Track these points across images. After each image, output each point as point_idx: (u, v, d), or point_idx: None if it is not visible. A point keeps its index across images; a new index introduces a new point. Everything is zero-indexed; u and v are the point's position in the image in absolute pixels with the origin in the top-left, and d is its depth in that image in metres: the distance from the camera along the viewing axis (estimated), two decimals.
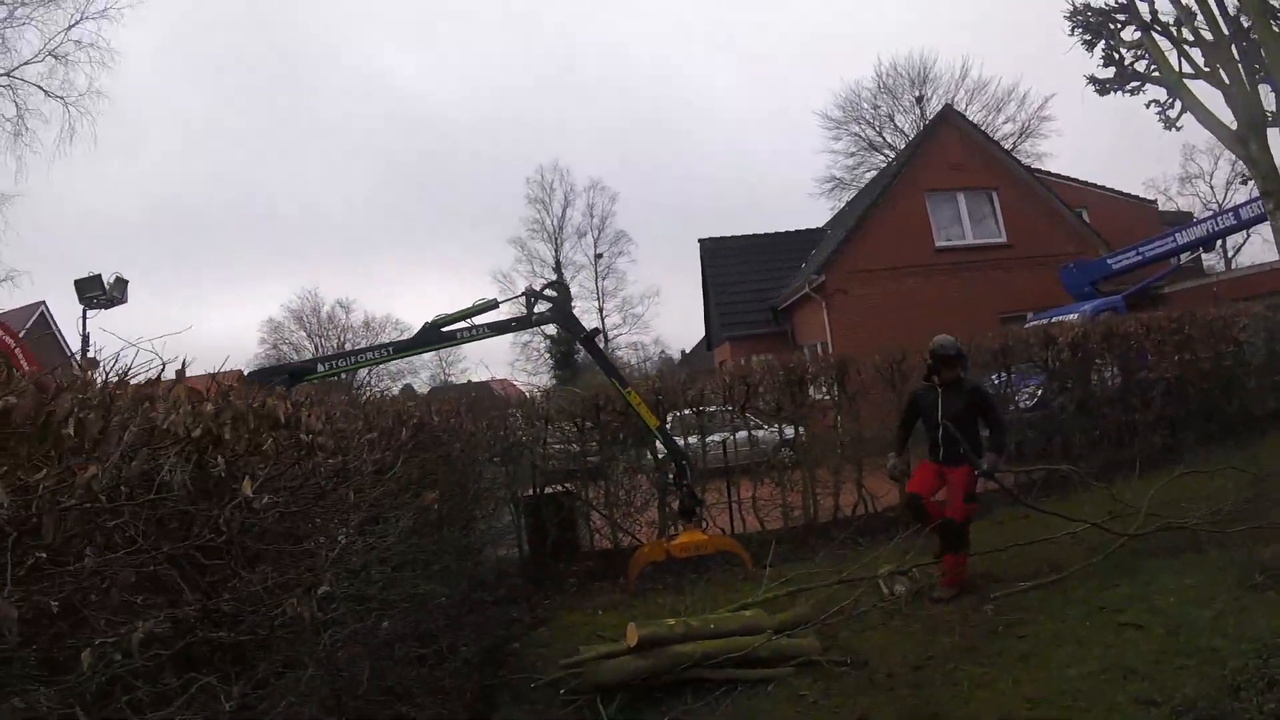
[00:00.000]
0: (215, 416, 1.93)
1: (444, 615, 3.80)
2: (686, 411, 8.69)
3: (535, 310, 7.38)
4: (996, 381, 9.94)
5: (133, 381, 1.83)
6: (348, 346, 41.86)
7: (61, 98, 20.04)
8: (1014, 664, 4.50)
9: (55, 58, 19.69)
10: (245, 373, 6.75)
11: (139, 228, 52.42)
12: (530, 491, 8.10)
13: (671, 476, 7.73)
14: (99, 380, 1.61)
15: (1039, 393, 10.04)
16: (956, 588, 5.86)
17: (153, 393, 1.76)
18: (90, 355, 1.57)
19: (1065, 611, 5.18)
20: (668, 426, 7.96)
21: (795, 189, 71.21)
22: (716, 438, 8.83)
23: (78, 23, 19.75)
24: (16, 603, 1.16)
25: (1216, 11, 5.36)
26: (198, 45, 56.21)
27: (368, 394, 5.95)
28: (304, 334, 45.18)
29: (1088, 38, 5.76)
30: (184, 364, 1.88)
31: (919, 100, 38.10)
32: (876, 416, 9.02)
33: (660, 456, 8.13)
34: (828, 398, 9.37)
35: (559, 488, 8.25)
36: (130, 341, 1.78)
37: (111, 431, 1.55)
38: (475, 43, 68.26)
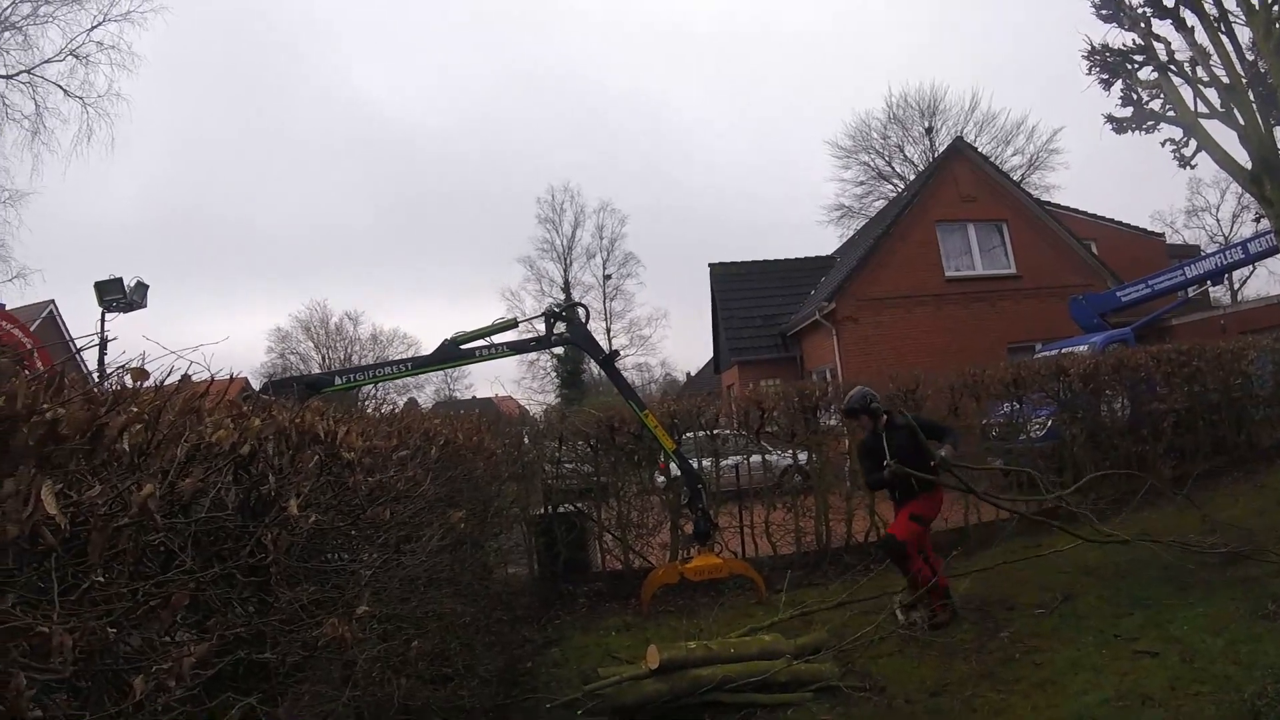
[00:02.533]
0: (259, 433, 1.89)
1: (464, 634, 3.75)
2: (700, 434, 8.65)
3: (555, 331, 7.35)
4: (1008, 411, 9.90)
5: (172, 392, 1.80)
6: (355, 359, 42.04)
7: (81, 98, 20.12)
8: (1031, 690, 4.47)
9: (76, 57, 19.76)
10: (262, 383, 6.72)
11: (138, 232, 52.55)
12: (542, 510, 8.03)
13: (685, 499, 7.66)
14: (148, 391, 1.58)
15: (1049, 423, 9.98)
16: (947, 611, 5.85)
17: (200, 406, 1.73)
18: (136, 363, 1.53)
19: (1080, 639, 5.15)
20: (682, 449, 7.89)
21: (804, 217, 71.50)
22: (730, 461, 8.79)
23: (100, 24, 19.78)
24: (70, 629, 1.12)
25: (1233, 53, 5.38)
26: (204, 60, 56.62)
27: (374, 408, 5.89)
28: (311, 344, 45.28)
29: (1105, 77, 5.80)
30: (231, 376, 1.86)
31: (929, 131, 38.23)
32: None
33: (674, 479, 8.08)
34: (840, 424, 9.31)
35: (570, 507, 8.19)
36: (169, 349, 1.75)
37: (165, 447, 1.53)
38: (485, 71, 68.60)
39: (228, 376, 2.07)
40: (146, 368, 1.54)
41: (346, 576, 2.30)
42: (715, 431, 8.55)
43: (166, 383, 1.71)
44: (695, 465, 7.77)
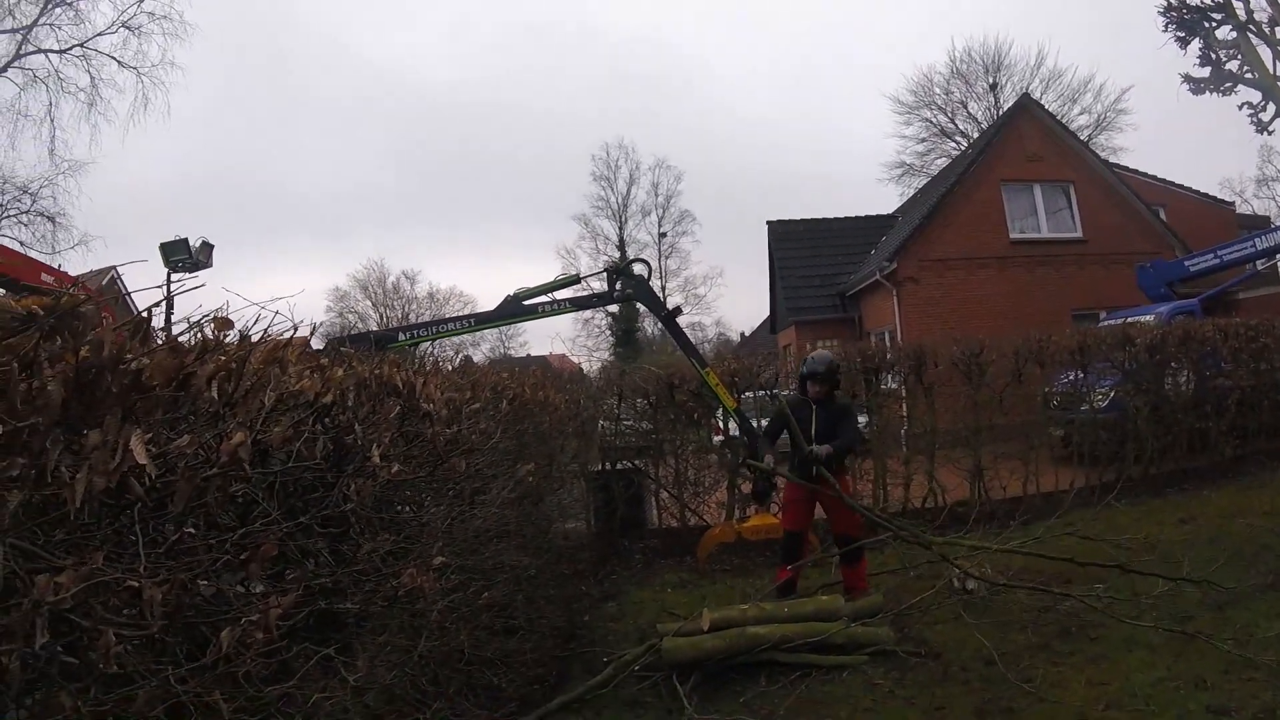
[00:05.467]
0: (341, 383, 1.88)
1: (527, 587, 3.78)
2: (760, 393, 8.56)
3: (617, 287, 7.29)
4: (1072, 380, 9.57)
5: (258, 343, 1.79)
6: (412, 318, 42.72)
7: (135, 68, 20.54)
8: (1086, 665, 4.42)
9: (129, 29, 20.16)
10: (325, 340, 6.81)
11: (187, 197, 53.61)
12: (600, 467, 8.07)
13: (743, 458, 7.61)
14: (233, 341, 1.56)
15: (1112, 394, 9.62)
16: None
17: (283, 356, 1.72)
18: (221, 315, 1.52)
19: (1137, 617, 4.99)
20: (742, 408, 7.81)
21: (864, 174, 69.48)
22: None
23: None
24: (159, 582, 1.11)
25: None
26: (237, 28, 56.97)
27: (431, 365, 5.90)
28: (369, 303, 46.09)
29: (1181, 34, 5.39)
30: (313, 328, 1.85)
31: (993, 87, 36.46)
32: (951, 409, 8.78)
33: (732, 438, 8.03)
34: (902, 388, 9.12)
35: (628, 464, 8.21)
36: (254, 301, 1.74)
37: (253, 396, 1.51)
38: (533, 28, 67.72)
39: (302, 330, 2.06)
40: (229, 318, 1.52)
41: (421, 528, 2.30)
42: (774, 392, 8.43)
43: (248, 334, 1.70)
44: (755, 424, 7.69)
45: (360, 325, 41.52)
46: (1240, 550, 6.29)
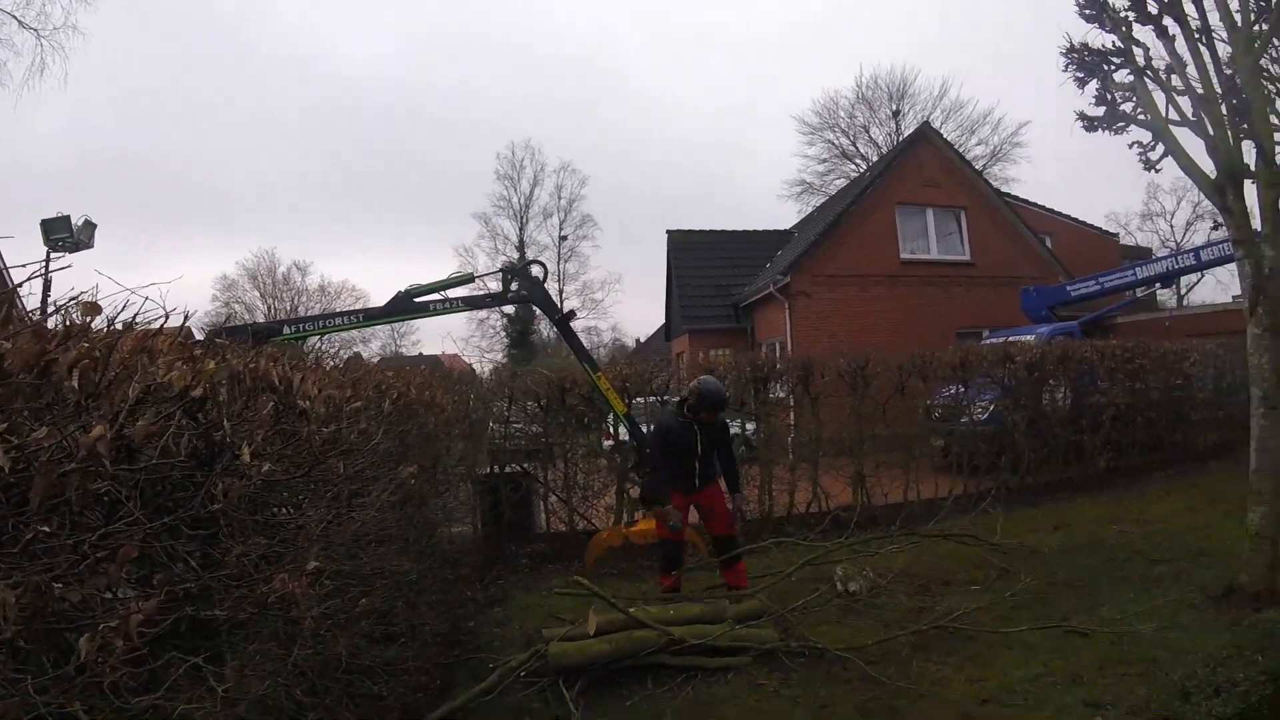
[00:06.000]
0: (212, 376, 1.78)
1: (409, 592, 3.68)
2: (651, 399, 8.64)
3: (512, 288, 7.22)
4: (953, 393, 10.14)
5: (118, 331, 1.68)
6: (301, 310, 40.95)
7: (36, 29, 18.88)
8: (965, 663, 4.66)
9: None
10: (207, 330, 6.45)
11: (75, 174, 49.64)
12: (488, 470, 7.95)
13: (633, 464, 7.67)
14: (100, 328, 1.45)
15: (991, 407, 10.25)
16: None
17: (152, 345, 1.61)
18: (90, 299, 1.41)
19: (1014, 616, 5.38)
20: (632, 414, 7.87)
21: (766, 190, 71.26)
22: None
23: None
24: (12, 584, 1.02)
25: (1210, 65, 5.48)
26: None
27: (316, 361, 5.65)
28: (257, 294, 43.99)
29: (1081, 75, 5.84)
30: (186, 316, 1.74)
31: (895, 114, 38.59)
32: (836, 418, 9.13)
33: (621, 443, 8.09)
34: (790, 397, 9.41)
35: (516, 467, 8.12)
36: (128, 287, 1.63)
37: (117, 386, 1.41)
38: (447, 26, 66.23)
39: (179, 319, 1.95)
40: (97, 303, 1.42)
41: (296, 531, 2.21)
42: (665, 398, 8.53)
43: (118, 321, 1.58)
44: (645, 430, 7.77)
45: (247, 316, 39.55)
46: (1113, 556, 6.81)
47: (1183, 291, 38.48)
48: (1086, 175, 59.36)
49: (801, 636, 4.99)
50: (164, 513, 1.55)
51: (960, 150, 23.12)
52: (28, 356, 1.15)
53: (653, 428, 6.28)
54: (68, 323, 1.35)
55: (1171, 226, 44.86)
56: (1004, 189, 26.10)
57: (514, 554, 7.65)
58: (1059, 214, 24.20)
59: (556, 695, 4.32)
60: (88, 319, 1.40)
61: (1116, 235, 28.97)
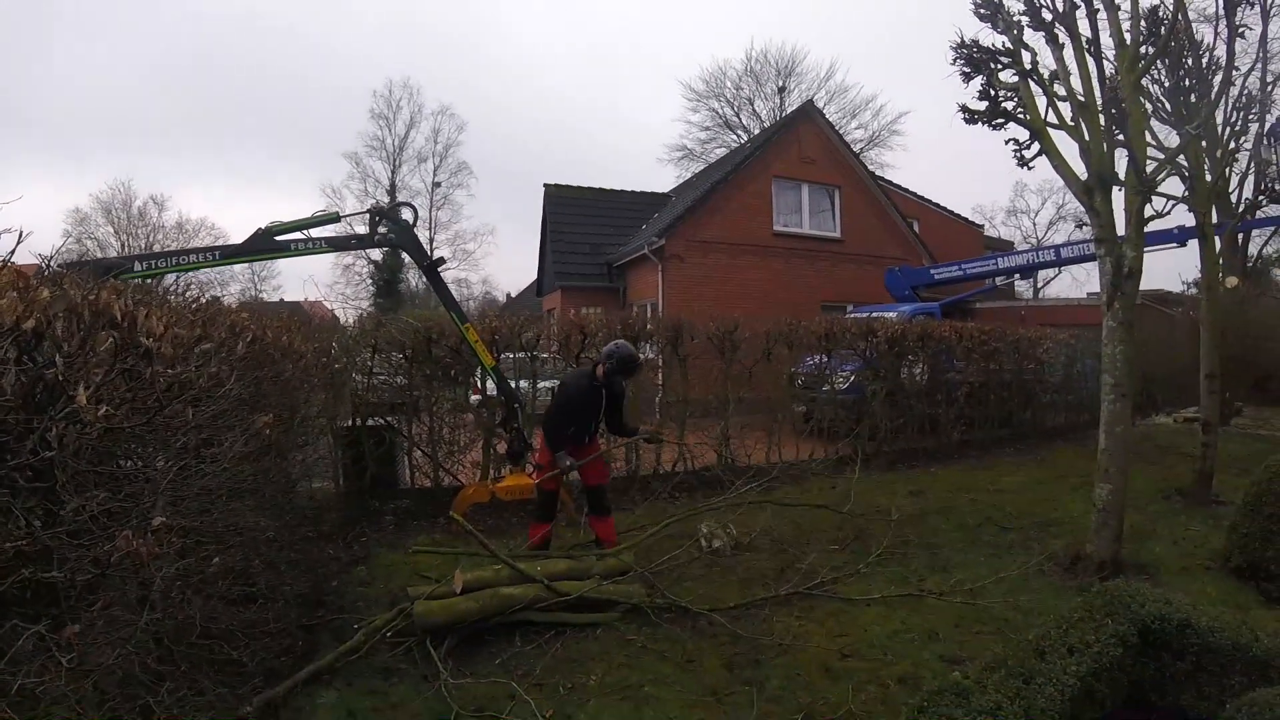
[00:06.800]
0: (47, 308, 1.55)
1: (267, 551, 3.46)
2: (520, 355, 8.49)
3: (379, 230, 6.83)
4: (817, 362, 10.58)
5: None
6: (157, 248, 37.44)
7: None
8: (825, 619, 4.92)
9: None
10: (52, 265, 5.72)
11: None
12: (350, 423, 7.59)
13: (501, 419, 7.53)
14: None
15: (852, 378, 10.78)
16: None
17: None
18: None
19: (870, 575, 5.73)
20: (501, 368, 7.70)
21: (647, 152, 71.08)
22: (547, 384, 8.71)
23: None
24: None
25: (1094, 76, 5.90)
26: None
27: (165, 297, 5.14)
28: (111, 230, 39.86)
29: (967, 70, 6.13)
30: (18, 241, 1.49)
31: (781, 90, 39.67)
32: (704, 381, 9.32)
33: (489, 397, 7.93)
34: (659, 358, 9.51)
35: (380, 420, 7.80)
36: None
37: None
38: None
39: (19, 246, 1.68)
40: None
41: (141, 484, 1.99)
42: (535, 354, 8.41)
43: None
44: (513, 385, 7.64)
45: (99, 253, 35.70)
46: (965, 521, 7.33)
47: (1039, 285, 42.14)
48: (957, 169, 63.08)
49: (667, 594, 5.08)
50: None
51: (841, 132, 23.91)
52: None
53: (559, 385, 6.20)
54: None
55: (1034, 224, 48.74)
56: (880, 173, 27.34)
57: (378, 510, 7.38)
58: (928, 201, 25.57)
59: (424, 655, 4.21)
60: None
61: (981, 226, 30.99)
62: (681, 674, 4.17)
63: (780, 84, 39.77)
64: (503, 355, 8.05)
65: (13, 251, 1.46)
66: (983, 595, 5.22)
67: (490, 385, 7.68)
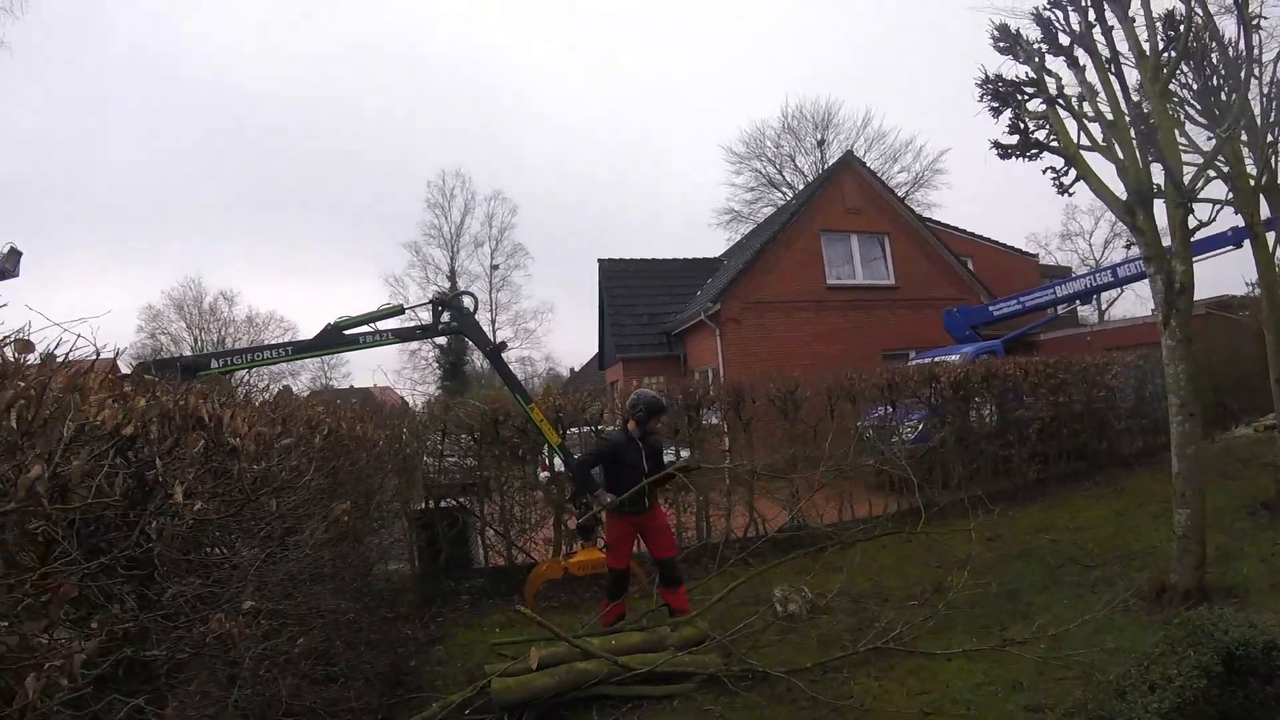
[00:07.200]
0: (143, 414, 1.76)
1: (349, 631, 3.61)
2: (585, 429, 8.65)
3: (441, 319, 7.17)
4: (882, 414, 10.44)
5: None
6: (229, 342, 39.65)
7: None
8: (906, 677, 4.76)
9: None
10: (135, 364, 6.21)
11: None
12: (423, 505, 7.83)
13: (570, 495, 7.65)
14: (33, 366, 1.43)
15: (920, 426, 10.58)
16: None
17: (83, 383, 1.59)
18: (23, 337, 1.39)
19: (951, 628, 5.53)
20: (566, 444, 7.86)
21: (696, 218, 72.36)
22: None
23: None
24: None
25: (1119, 92, 5.87)
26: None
27: (245, 395, 5.50)
28: (184, 324, 42.28)
29: (995, 105, 6.18)
30: (117, 353, 1.71)
31: (820, 144, 39.97)
32: (768, 443, 9.29)
33: (558, 473, 8.07)
34: (722, 423, 9.54)
35: (452, 502, 8.01)
36: (56, 322, 1.60)
37: (51, 425, 1.39)
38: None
39: (107, 354, 1.92)
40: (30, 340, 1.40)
41: (230, 570, 2.17)
42: (600, 428, 8.56)
43: (47, 358, 1.56)
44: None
45: (174, 348, 37.98)
46: (1045, 562, 7.04)
47: (1104, 307, 40.70)
48: (1007, 198, 62.27)
49: (743, 660, 5.03)
50: (99, 553, 1.52)
51: (884, 177, 23.96)
52: None
53: (600, 443, 6.35)
54: (1, 361, 1.33)
55: (1090, 245, 47.13)
56: (928, 214, 27.18)
57: (453, 590, 7.53)
58: (979, 237, 25.26)
59: None
60: (22, 357, 1.38)
61: (1036, 255, 30.31)
62: None
63: (819, 137, 40.06)
64: (568, 431, 8.23)
65: (97, 357, 1.66)
66: (1066, 639, 4.98)
67: (559, 462, 7.83)
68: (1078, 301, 18.02)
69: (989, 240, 25.42)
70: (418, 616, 6.67)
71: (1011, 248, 26.48)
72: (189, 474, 1.93)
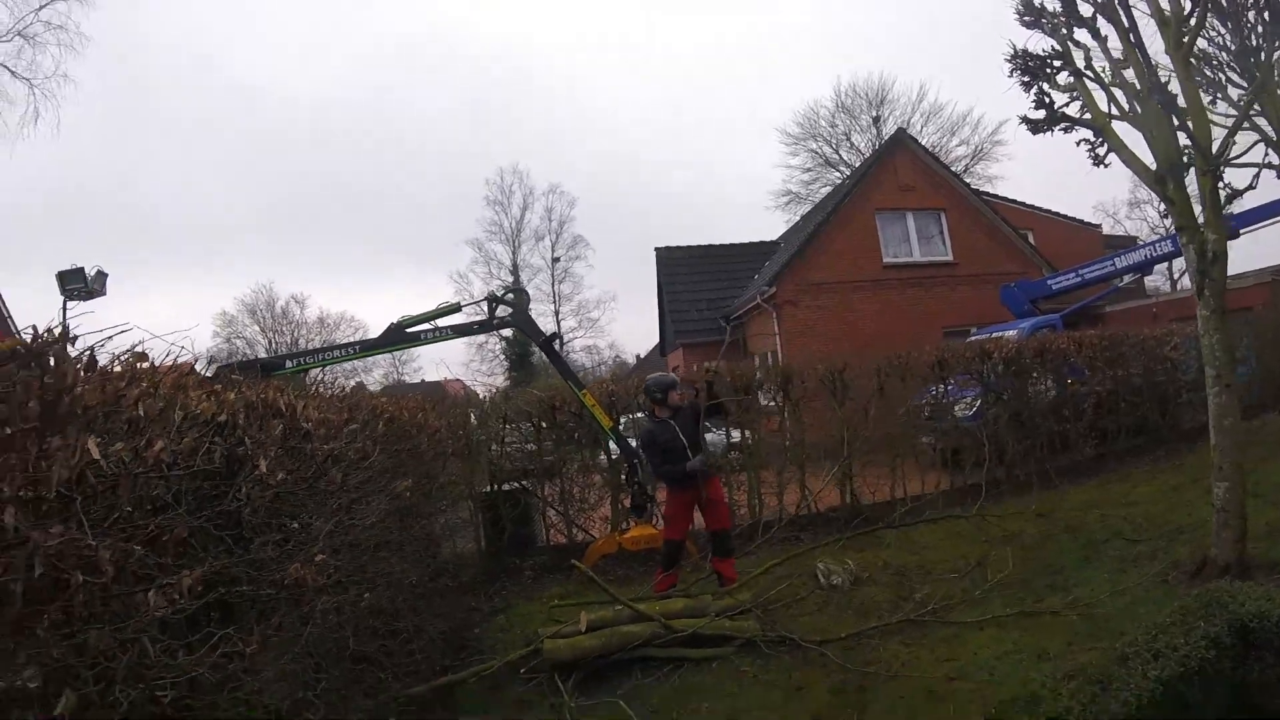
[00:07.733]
0: (232, 404, 2.22)
1: (412, 596, 4.08)
2: (639, 415, 9.01)
3: (496, 314, 7.64)
4: (935, 392, 10.46)
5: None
6: (301, 343, 41.54)
7: (28, 79, 19.60)
8: (936, 645, 4.95)
9: (24, 38, 19.24)
10: (217, 367, 6.90)
11: (43, 212, 50.46)
12: (487, 488, 8.35)
13: (624, 475, 8.05)
14: (147, 368, 1.89)
15: (976, 403, 10.55)
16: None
17: (186, 382, 2.05)
18: (139, 348, 1.85)
19: (988, 601, 5.65)
20: (621, 427, 8.27)
21: (753, 201, 71.85)
22: None
23: (49, 3, 19.23)
24: (107, 547, 1.44)
25: (1143, 61, 5.80)
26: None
27: (320, 389, 6.05)
28: (257, 328, 44.62)
29: (1025, 80, 6.16)
30: (198, 358, 2.17)
31: (875, 120, 39.09)
32: (818, 422, 9.47)
33: (614, 456, 8.47)
34: (774, 404, 9.76)
35: (515, 484, 8.51)
36: (153, 333, 2.06)
37: (168, 413, 1.84)
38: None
39: (189, 359, 2.38)
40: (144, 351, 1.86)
41: (304, 534, 2.62)
42: (640, 415, 8.88)
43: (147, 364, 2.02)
44: (633, 444, 8.16)
45: (249, 350, 40.06)
46: (1092, 539, 7.00)
47: (1175, 276, 38.88)
48: (1073, 170, 59.88)
49: (780, 627, 5.31)
50: (202, 509, 1.98)
51: (942, 152, 23.66)
52: (108, 394, 1.59)
53: (639, 437, 6.73)
54: (131, 366, 1.79)
55: (1159, 212, 45.03)
56: (988, 187, 26.52)
57: (517, 566, 8.02)
58: (1039, 209, 24.58)
59: (553, 688, 4.70)
60: (138, 364, 1.83)
61: (1099, 226, 29.25)
62: (788, 701, 4.41)
63: (874, 114, 39.21)
64: (622, 416, 8.63)
65: (193, 365, 2.12)
66: (1101, 610, 5.06)
67: (612, 445, 8.25)
68: (1140, 272, 17.44)
69: (1050, 212, 24.69)
70: (483, 590, 7.18)
71: (1074, 219, 25.67)
72: (271, 451, 2.38)
